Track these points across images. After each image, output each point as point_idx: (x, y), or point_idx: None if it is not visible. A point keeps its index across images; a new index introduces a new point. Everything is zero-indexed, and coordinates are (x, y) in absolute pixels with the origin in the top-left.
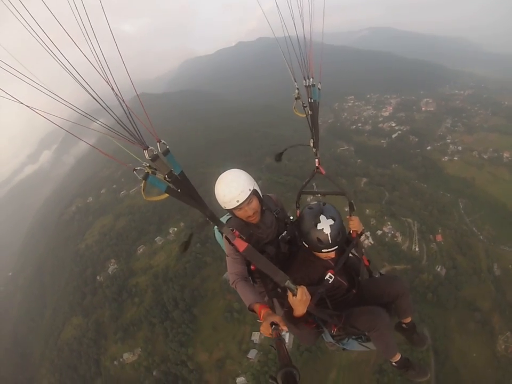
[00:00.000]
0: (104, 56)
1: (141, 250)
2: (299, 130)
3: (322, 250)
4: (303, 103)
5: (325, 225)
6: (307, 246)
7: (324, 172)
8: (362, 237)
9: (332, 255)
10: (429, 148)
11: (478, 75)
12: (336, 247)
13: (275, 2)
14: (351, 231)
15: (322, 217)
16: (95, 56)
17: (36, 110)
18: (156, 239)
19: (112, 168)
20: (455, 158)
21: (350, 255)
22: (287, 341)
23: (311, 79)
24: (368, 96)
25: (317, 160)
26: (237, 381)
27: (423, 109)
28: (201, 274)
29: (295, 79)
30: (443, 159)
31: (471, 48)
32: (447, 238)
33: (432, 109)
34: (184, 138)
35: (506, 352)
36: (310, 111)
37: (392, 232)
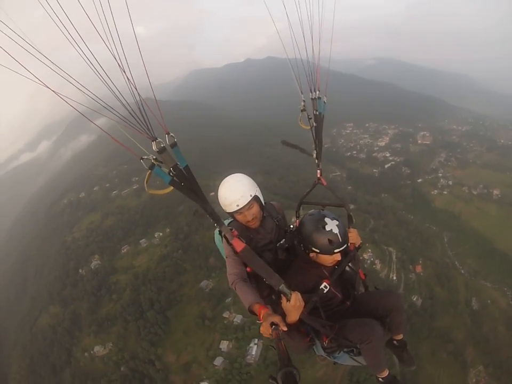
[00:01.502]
0: (123, 50)
1: (125, 250)
2: (294, 151)
3: (335, 251)
4: (308, 115)
5: (332, 225)
6: (318, 251)
7: (325, 183)
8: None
9: (339, 257)
10: (420, 180)
11: (477, 112)
12: (345, 245)
13: (288, 20)
14: (349, 244)
15: (327, 219)
16: (114, 50)
17: (58, 94)
18: (140, 241)
19: (108, 167)
20: (445, 192)
21: (347, 268)
22: (253, 353)
23: (318, 92)
24: (367, 125)
25: (318, 171)
26: None
27: (419, 141)
28: (179, 279)
29: (301, 91)
30: (432, 192)
31: (474, 86)
32: (427, 269)
33: (428, 142)
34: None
35: None
36: (314, 123)
37: (372, 259)
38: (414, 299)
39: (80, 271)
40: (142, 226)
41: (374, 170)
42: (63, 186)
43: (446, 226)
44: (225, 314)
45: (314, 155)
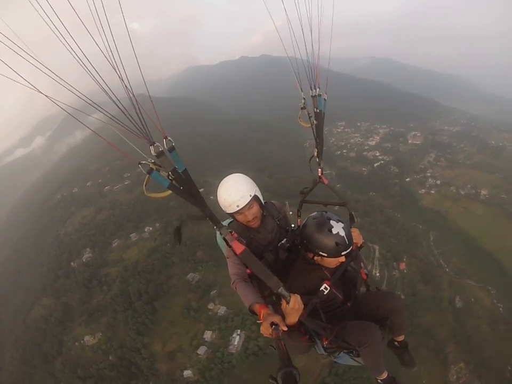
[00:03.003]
0: (118, 50)
1: (116, 243)
2: (286, 148)
3: (342, 253)
4: (308, 113)
5: (338, 228)
6: (325, 255)
7: (326, 182)
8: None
9: (344, 259)
10: (408, 179)
11: (471, 113)
12: (352, 246)
13: (286, 17)
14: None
15: (332, 222)
16: (108, 49)
17: (43, 93)
18: (131, 235)
19: (101, 163)
20: (432, 191)
21: (349, 267)
22: (236, 343)
23: (318, 89)
24: (359, 124)
25: (319, 169)
26: (184, 374)
27: (410, 141)
28: (167, 272)
29: (301, 89)
30: (420, 191)
31: (468, 87)
32: (411, 267)
33: (418, 142)
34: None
35: (458, 382)
36: (315, 121)
37: None
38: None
39: (72, 263)
40: (133, 221)
41: (363, 169)
42: (57, 181)
43: (433, 225)
44: (210, 306)
45: (315, 153)
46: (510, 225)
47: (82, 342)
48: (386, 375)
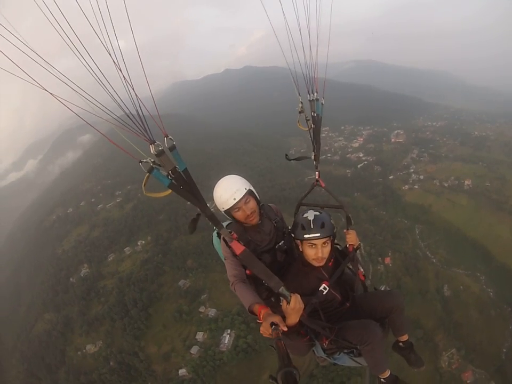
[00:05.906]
0: (123, 59)
1: (111, 258)
2: (270, 158)
3: (304, 236)
4: (306, 117)
5: (310, 214)
6: (293, 235)
7: (323, 185)
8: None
9: (319, 252)
10: (391, 177)
11: (454, 107)
12: (318, 234)
13: (285, 23)
14: (348, 245)
15: (310, 211)
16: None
17: (57, 97)
18: (125, 249)
19: (93, 182)
20: (416, 187)
21: (346, 269)
22: (226, 342)
23: (315, 94)
24: (343, 127)
25: (317, 172)
26: (179, 372)
27: (393, 140)
28: (159, 280)
29: (299, 93)
30: (403, 188)
31: (451, 81)
32: (396, 261)
33: (401, 140)
34: None
35: (450, 368)
36: (313, 125)
37: None
38: (381, 289)
39: (71, 279)
40: (126, 235)
41: (347, 171)
42: (52, 202)
43: (417, 219)
44: (201, 309)
45: (313, 157)
46: (494, 213)
47: (84, 351)
48: (388, 373)
